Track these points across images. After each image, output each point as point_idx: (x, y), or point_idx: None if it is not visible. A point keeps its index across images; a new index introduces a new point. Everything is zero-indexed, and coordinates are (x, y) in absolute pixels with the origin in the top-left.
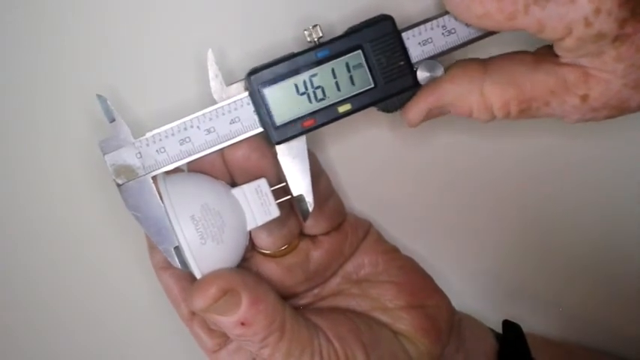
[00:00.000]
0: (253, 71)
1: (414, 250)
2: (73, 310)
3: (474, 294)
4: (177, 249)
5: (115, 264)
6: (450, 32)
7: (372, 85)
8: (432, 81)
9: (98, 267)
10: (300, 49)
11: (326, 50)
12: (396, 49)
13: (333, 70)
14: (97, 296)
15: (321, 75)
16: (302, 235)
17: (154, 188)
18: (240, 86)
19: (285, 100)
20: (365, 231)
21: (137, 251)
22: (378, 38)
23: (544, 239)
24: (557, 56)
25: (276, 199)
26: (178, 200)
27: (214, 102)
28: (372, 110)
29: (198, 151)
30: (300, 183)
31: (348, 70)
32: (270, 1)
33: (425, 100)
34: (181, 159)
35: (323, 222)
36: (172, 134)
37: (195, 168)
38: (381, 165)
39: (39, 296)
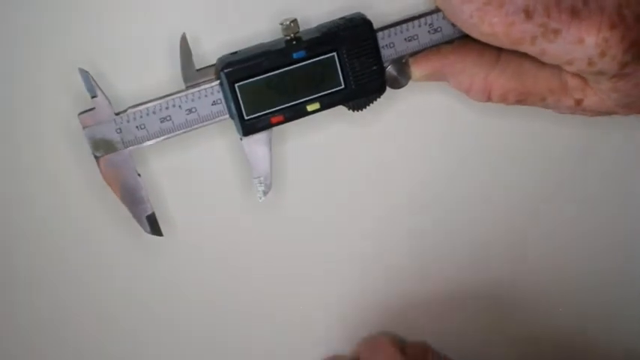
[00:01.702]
0: (226, 65)
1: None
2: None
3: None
4: (150, 217)
5: (95, 235)
6: (435, 30)
7: (342, 87)
8: (449, 44)
9: (77, 238)
10: (274, 42)
11: (302, 52)
12: (371, 54)
13: (306, 70)
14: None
15: (294, 74)
16: None
17: (131, 161)
18: (210, 71)
19: (256, 96)
20: None
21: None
22: (355, 42)
23: None
24: None
25: None
26: None
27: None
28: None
29: (178, 130)
30: (261, 167)
31: (321, 71)
32: None
33: (434, 63)
34: (161, 136)
35: None
36: (154, 112)
37: None
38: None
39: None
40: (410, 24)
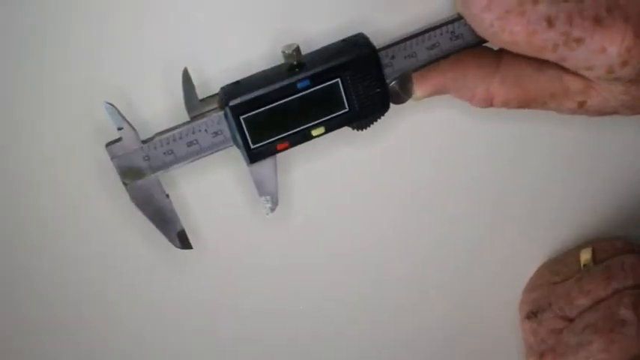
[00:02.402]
0: (231, 97)
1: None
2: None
3: None
4: (180, 233)
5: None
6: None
7: (347, 109)
8: (445, 60)
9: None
10: (276, 70)
11: (306, 81)
12: (374, 77)
13: (310, 98)
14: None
15: (299, 103)
16: None
17: (159, 185)
18: (213, 101)
19: (261, 125)
20: None
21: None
22: (358, 68)
23: None
24: None
25: None
26: None
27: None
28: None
29: (205, 152)
30: (267, 188)
31: (325, 98)
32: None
33: (434, 81)
34: (188, 159)
35: None
36: (180, 137)
37: None
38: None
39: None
40: (413, 40)
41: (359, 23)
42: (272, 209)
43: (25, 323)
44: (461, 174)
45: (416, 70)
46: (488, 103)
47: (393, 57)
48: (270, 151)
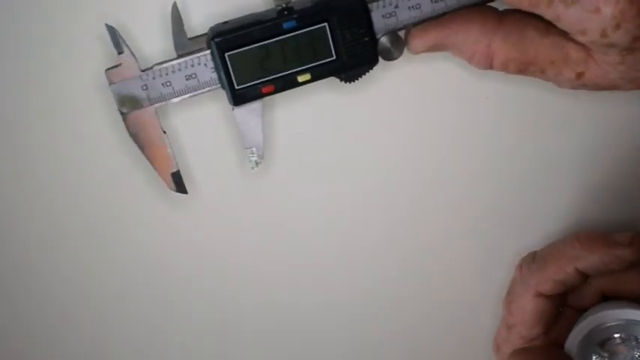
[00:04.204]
0: (217, 34)
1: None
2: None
3: None
4: (175, 174)
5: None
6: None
7: (334, 57)
8: (447, 15)
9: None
10: (266, 12)
11: (292, 22)
12: (362, 25)
13: (297, 41)
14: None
15: (285, 44)
16: None
17: (157, 118)
18: (202, 41)
19: (247, 65)
20: None
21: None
22: (346, 13)
23: None
24: None
25: None
26: None
27: None
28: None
29: (203, 88)
30: (253, 138)
31: (312, 42)
32: None
33: (435, 34)
34: (186, 93)
35: None
36: (179, 69)
37: None
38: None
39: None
40: None
41: None
42: (257, 162)
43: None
44: (462, 133)
45: (418, 24)
46: (488, 62)
47: (397, 6)
48: (254, 94)
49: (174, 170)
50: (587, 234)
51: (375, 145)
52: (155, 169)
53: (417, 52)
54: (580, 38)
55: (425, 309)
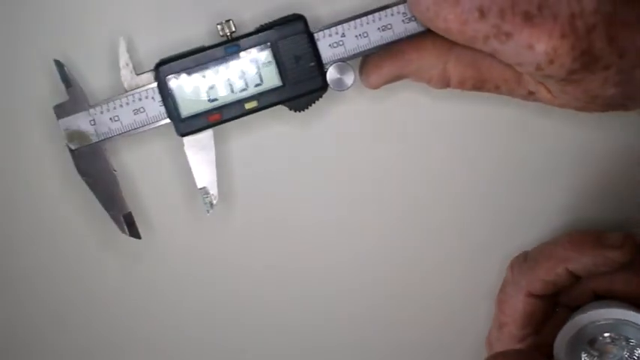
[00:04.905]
0: (162, 62)
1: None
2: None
3: None
4: (127, 216)
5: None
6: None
7: (281, 84)
8: (397, 45)
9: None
10: (211, 43)
11: (235, 46)
12: (307, 49)
13: (241, 66)
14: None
15: (229, 70)
16: None
17: (106, 155)
18: (150, 76)
19: (192, 93)
20: None
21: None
22: (289, 37)
23: None
24: None
25: None
26: None
27: None
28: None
29: (152, 122)
30: (205, 175)
31: (257, 68)
32: None
33: (390, 66)
34: (134, 128)
35: None
36: (127, 103)
37: None
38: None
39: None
40: (359, 21)
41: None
42: (212, 204)
43: None
44: (431, 157)
45: (369, 54)
46: (445, 83)
47: (343, 35)
48: (201, 123)
49: (126, 212)
50: (579, 235)
51: (366, 152)
52: (106, 210)
53: (375, 87)
54: (518, 69)
55: (418, 309)
